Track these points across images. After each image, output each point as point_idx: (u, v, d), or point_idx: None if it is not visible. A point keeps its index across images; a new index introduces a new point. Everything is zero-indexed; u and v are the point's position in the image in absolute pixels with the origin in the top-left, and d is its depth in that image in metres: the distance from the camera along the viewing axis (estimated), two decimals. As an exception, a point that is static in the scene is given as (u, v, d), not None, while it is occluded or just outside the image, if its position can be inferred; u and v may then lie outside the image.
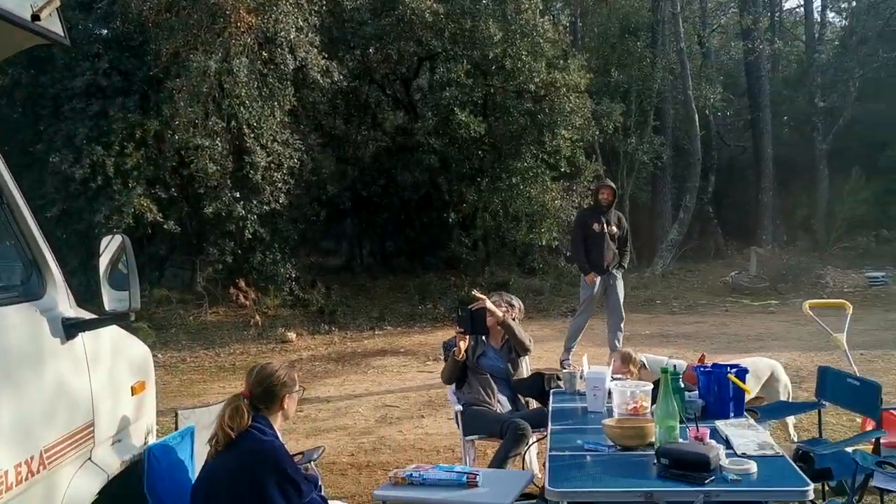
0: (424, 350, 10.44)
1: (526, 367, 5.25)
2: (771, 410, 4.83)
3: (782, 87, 21.46)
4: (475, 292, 4.82)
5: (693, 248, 18.11)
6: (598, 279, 8.31)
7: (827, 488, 4.41)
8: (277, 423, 3.18)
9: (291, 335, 11.93)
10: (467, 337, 4.77)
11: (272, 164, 12.40)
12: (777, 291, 14.25)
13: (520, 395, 4.94)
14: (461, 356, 4.76)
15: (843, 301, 5.50)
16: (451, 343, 4.89)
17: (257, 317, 12.52)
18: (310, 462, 4.08)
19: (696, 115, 17.17)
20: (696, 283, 15.48)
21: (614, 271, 8.44)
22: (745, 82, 21.61)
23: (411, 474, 3.29)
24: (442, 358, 5.21)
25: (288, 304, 13.49)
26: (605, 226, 8.34)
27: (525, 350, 4.92)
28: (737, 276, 15.20)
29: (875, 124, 19.34)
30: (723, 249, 18.43)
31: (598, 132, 14.71)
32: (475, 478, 3.24)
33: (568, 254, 15.24)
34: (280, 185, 12.54)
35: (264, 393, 3.14)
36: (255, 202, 12.31)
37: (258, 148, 12.10)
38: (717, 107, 18.59)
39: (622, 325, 8.53)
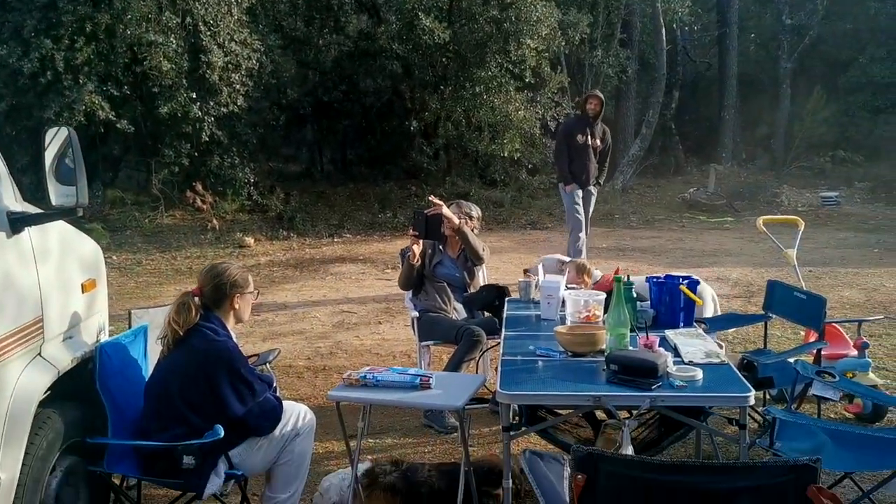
0: (383, 258, 10.46)
1: (483, 277, 5.29)
2: (720, 322, 4.95)
3: (751, 3, 21.23)
4: (433, 198, 4.78)
5: (654, 163, 18.17)
6: (579, 191, 8.27)
7: (768, 396, 4.58)
8: (230, 323, 3.17)
9: (249, 240, 11.83)
10: (421, 241, 4.77)
11: (230, 65, 12.01)
12: (733, 209, 14.46)
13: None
14: (416, 261, 4.77)
15: (796, 218, 5.60)
16: (408, 250, 4.89)
17: (214, 221, 12.37)
18: (265, 364, 4.10)
19: (664, 30, 16.94)
20: (654, 199, 15.62)
21: (592, 187, 8.44)
22: (714, -3, 21.34)
23: (365, 376, 3.32)
24: (400, 265, 5.21)
25: (246, 209, 13.33)
26: (589, 138, 8.26)
27: (479, 259, 4.94)
28: (695, 193, 15.35)
29: (840, 44, 19.35)
30: (683, 166, 18.53)
31: (563, 43, 14.45)
32: (428, 380, 3.28)
33: (530, 166, 15.23)
34: (238, 86, 12.19)
35: (214, 291, 3.11)
36: (212, 103, 11.97)
37: (215, 47, 11.68)
38: (685, 21, 18.36)
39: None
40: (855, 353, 4.62)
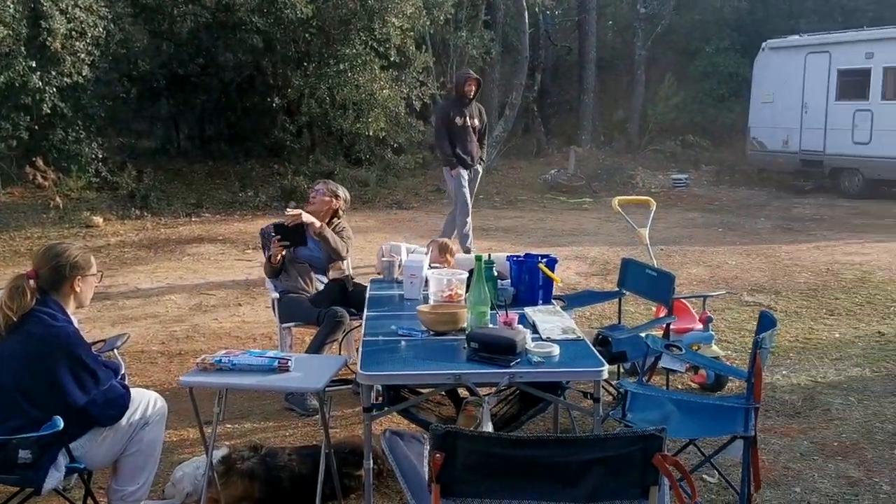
0: (244, 238, 10.15)
1: (348, 265, 5.21)
2: (577, 298, 5.10)
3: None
4: (290, 210, 4.65)
5: (517, 145, 18.54)
6: (465, 172, 8.25)
7: (622, 370, 4.77)
8: (70, 308, 2.95)
9: (98, 219, 11.18)
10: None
11: (73, 32, 11.22)
12: (592, 190, 14.99)
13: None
14: (277, 261, 4.65)
15: (648, 198, 5.83)
16: (268, 231, 4.74)
17: (58, 199, 11.57)
18: (112, 350, 3.87)
19: (526, 13, 17.25)
20: (517, 180, 15.95)
21: (478, 166, 8.45)
22: (574, -17, 21.91)
23: (220, 359, 3.19)
24: (260, 245, 5.05)
25: (94, 186, 12.56)
26: (467, 119, 8.24)
27: (340, 257, 4.88)
28: (556, 174, 15.80)
29: (689, 34, 20.35)
30: (544, 148, 19.00)
31: (429, 23, 14.44)
32: (287, 363, 3.18)
33: (395, 145, 15.17)
34: (83, 55, 11.41)
35: (52, 273, 2.89)
36: (53, 73, 11.15)
37: (57, 13, 10.87)
38: (547, 5, 18.77)
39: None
40: (700, 326, 4.88)
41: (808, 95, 14.61)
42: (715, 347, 4.79)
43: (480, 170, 8.51)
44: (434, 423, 2.92)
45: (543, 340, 3.03)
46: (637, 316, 6.24)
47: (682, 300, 5.19)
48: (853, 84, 13.82)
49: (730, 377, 4.59)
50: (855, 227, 11.04)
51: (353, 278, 4.91)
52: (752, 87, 16.05)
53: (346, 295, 4.69)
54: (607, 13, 22.17)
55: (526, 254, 3.94)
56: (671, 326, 4.34)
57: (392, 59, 13.90)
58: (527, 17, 17.39)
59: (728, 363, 4.98)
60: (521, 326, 3.04)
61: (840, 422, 4.27)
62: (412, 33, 14.09)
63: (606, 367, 2.80)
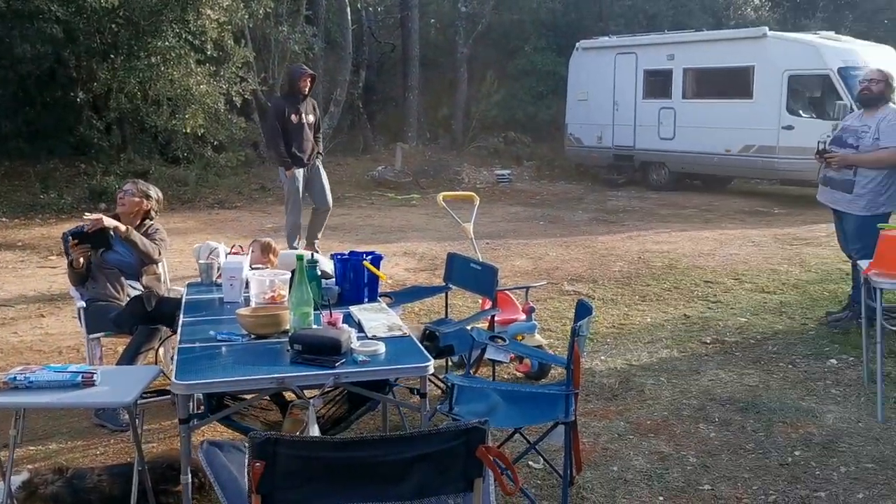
0: (47, 244, 9.38)
1: (164, 269, 4.93)
2: (405, 295, 5.10)
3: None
4: (88, 215, 4.32)
5: (343, 141, 18.41)
6: (300, 172, 8.03)
7: (451, 363, 4.82)
8: None
9: None
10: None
11: None
12: (419, 186, 15.14)
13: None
14: (80, 266, 4.31)
15: (472, 194, 5.94)
16: (68, 236, 4.38)
17: None
18: None
19: (349, 9, 17.15)
20: (344, 177, 15.82)
21: (316, 161, 8.24)
22: (395, -20, 22.05)
23: (14, 377, 2.90)
24: (63, 252, 4.66)
25: None
26: (303, 116, 8.01)
27: (152, 261, 4.60)
28: (383, 171, 15.83)
29: (508, 33, 21.02)
30: (371, 144, 18.99)
31: (247, 16, 14.00)
32: (92, 376, 2.94)
33: (216, 143, 14.58)
34: None
35: None
36: None
37: None
38: (369, 1, 18.77)
39: (327, 216, 8.46)
40: (524, 317, 5.02)
41: (619, 94, 15.50)
42: (538, 336, 4.95)
43: (320, 164, 8.38)
44: (256, 430, 2.80)
45: (369, 339, 2.99)
46: (464, 309, 6.33)
47: (506, 292, 5.32)
48: (657, 84, 14.83)
49: (552, 365, 4.74)
50: (663, 217, 11.83)
51: (157, 293, 4.55)
52: (568, 86, 16.81)
53: (150, 313, 4.25)
54: (429, 11, 22.50)
55: (351, 252, 3.87)
56: (496, 318, 4.44)
57: (209, 53, 13.36)
58: (349, 13, 17.29)
59: (551, 351, 5.16)
60: (346, 326, 2.98)
61: (652, 401, 4.54)
62: (230, 27, 13.60)
63: (432, 362, 2.79)
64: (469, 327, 4.01)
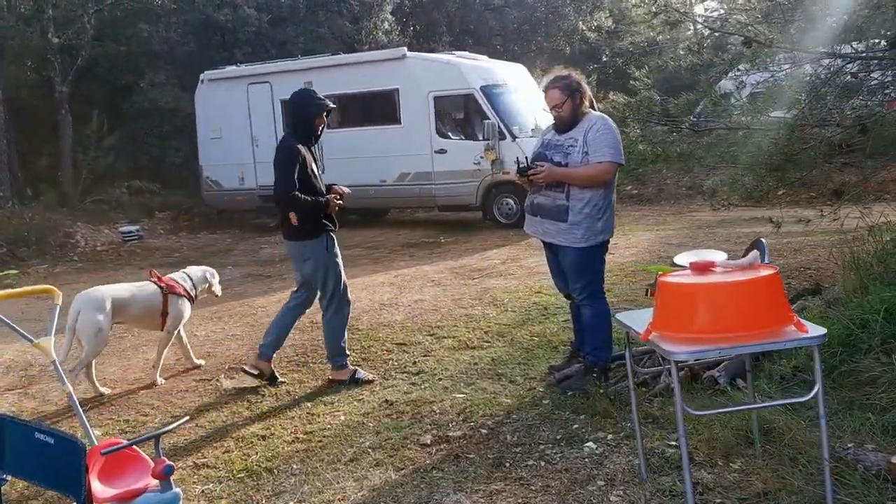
0: None
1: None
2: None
3: (12, 20, 18.44)
4: None
5: None
6: None
7: None
8: None
9: None
10: None
11: None
12: (18, 258, 11.92)
13: None
14: None
15: (48, 287, 3.74)
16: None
17: None
18: None
19: None
20: None
21: None
22: None
23: None
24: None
25: None
26: None
27: None
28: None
29: (117, 67, 18.18)
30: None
31: None
32: None
33: None
34: None
35: None
36: None
37: None
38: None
39: None
40: (156, 482, 3.01)
41: (257, 128, 13.82)
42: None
43: None
44: None
45: None
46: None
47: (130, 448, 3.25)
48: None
49: None
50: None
51: None
52: (197, 123, 14.68)
53: None
54: (14, 46, 18.64)
55: None
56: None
57: None
58: None
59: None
60: None
61: None
62: None
63: None
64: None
